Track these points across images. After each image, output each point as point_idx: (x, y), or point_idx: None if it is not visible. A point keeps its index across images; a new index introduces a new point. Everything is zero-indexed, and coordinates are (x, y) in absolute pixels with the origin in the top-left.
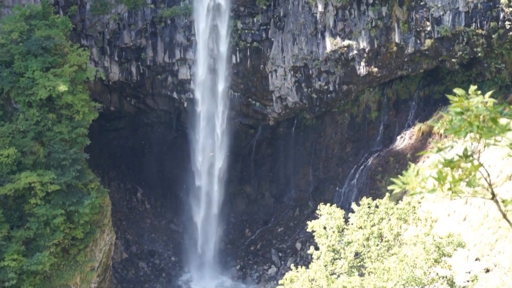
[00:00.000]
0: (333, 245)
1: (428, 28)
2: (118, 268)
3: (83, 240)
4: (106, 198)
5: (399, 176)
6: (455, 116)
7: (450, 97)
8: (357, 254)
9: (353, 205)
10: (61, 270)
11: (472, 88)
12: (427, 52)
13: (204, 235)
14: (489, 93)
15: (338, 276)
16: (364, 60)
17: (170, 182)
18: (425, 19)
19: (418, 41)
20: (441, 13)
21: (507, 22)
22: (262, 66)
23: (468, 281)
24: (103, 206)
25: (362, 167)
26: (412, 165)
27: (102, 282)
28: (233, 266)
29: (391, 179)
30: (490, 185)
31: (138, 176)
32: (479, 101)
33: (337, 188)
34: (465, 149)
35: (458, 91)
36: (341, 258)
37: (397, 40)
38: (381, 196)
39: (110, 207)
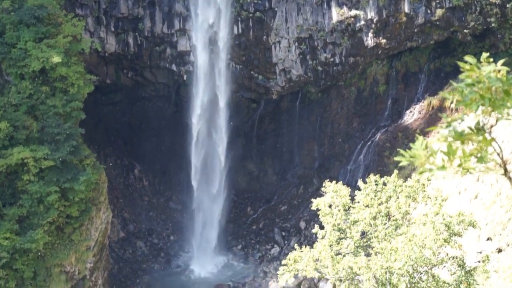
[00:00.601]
0: (338, 224)
1: None
2: (115, 248)
3: (78, 218)
4: (102, 175)
5: (407, 149)
6: (465, 88)
7: (461, 64)
8: (363, 234)
9: (360, 183)
10: (55, 249)
11: (484, 55)
12: (438, 23)
13: (205, 213)
14: (502, 61)
15: (344, 256)
16: (371, 31)
17: (169, 158)
18: None
19: (429, 11)
20: None
21: None
22: (265, 37)
23: (479, 262)
24: (99, 183)
25: (369, 143)
26: (420, 137)
27: (98, 262)
28: (235, 246)
29: (399, 150)
30: (503, 161)
31: (135, 152)
32: (491, 70)
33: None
34: (477, 122)
35: (469, 58)
36: (346, 237)
37: (406, 10)
38: (389, 173)
39: (106, 184)
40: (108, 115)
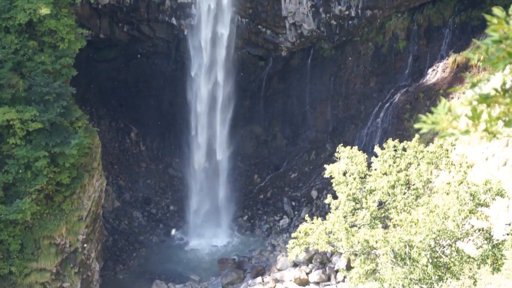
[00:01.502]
0: (353, 193)
1: None
2: (109, 218)
3: (69, 186)
4: (95, 139)
5: (428, 114)
6: (492, 45)
7: (488, 17)
8: (380, 204)
9: (377, 148)
10: (44, 220)
11: None
12: None
13: (207, 181)
14: None
15: (359, 228)
16: None
17: (169, 120)
18: None
19: None
20: None
21: None
22: None
23: (507, 234)
24: (92, 148)
25: (387, 104)
26: (443, 100)
27: (91, 234)
28: (240, 217)
29: (419, 116)
30: None
31: (132, 114)
32: None
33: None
34: (503, 83)
35: (498, 11)
36: (362, 208)
37: None
38: (409, 138)
39: (100, 148)
40: (102, 73)
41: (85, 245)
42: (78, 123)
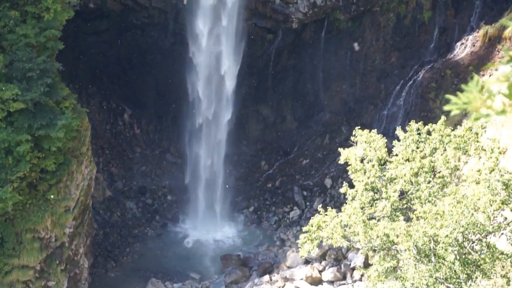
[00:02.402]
0: (372, 182)
1: None
2: (100, 209)
3: (55, 173)
4: (84, 120)
5: (458, 93)
6: None
7: None
8: (402, 194)
9: (399, 131)
10: (27, 211)
11: None
12: None
13: (209, 168)
14: None
15: (378, 221)
16: None
17: (166, 100)
18: None
19: None
20: None
21: None
22: None
23: None
24: (80, 130)
25: (410, 82)
26: (476, 77)
27: (79, 227)
28: (246, 208)
29: (448, 96)
30: None
31: (125, 93)
32: None
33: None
34: None
35: None
36: (382, 198)
37: None
38: (434, 120)
39: (90, 131)
40: (91, 47)
41: (72, 239)
42: (65, 103)
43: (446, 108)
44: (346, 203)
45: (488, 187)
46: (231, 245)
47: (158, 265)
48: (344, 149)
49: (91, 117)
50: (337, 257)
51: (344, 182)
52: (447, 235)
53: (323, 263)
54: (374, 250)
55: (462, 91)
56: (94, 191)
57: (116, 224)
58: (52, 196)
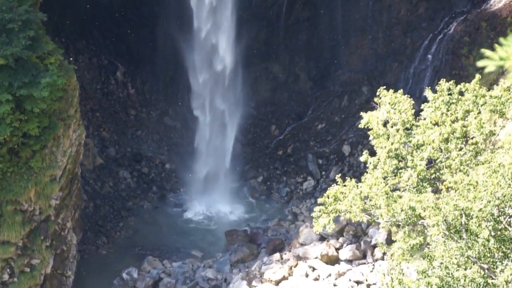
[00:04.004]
0: (396, 149)
1: None
2: (90, 179)
3: (39, 138)
4: (72, 79)
5: (496, 46)
6: None
7: None
8: (430, 162)
9: (427, 92)
10: (7, 181)
11: None
12: None
13: (213, 133)
14: None
15: (403, 192)
16: None
17: (164, 56)
18: None
19: None
20: None
21: None
22: None
23: None
24: (67, 90)
25: (440, 36)
26: None
27: (66, 198)
28: (253, 178)
29: (483, 51)
30: None
31: (117, 48)
32: None
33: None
34: None
35: None
36: (407, 167)
37: None
38: (467, 79)
39: (78, 91)
40: None
41: (59, 212)
42: (50, 58)
43: (480, 64)
44: (366, 173)
45: None
46: (237, 219)
47: (155, 242)
48: (365, 112)
49: (80, 75)
50: (356, 233)
51: (364, 149)
52: (480, 209)
53: (341, 240)
54: (398, 226)
55: (499, 45)
56: (83, 159)
57: (108, 196)
58: (36, 164)
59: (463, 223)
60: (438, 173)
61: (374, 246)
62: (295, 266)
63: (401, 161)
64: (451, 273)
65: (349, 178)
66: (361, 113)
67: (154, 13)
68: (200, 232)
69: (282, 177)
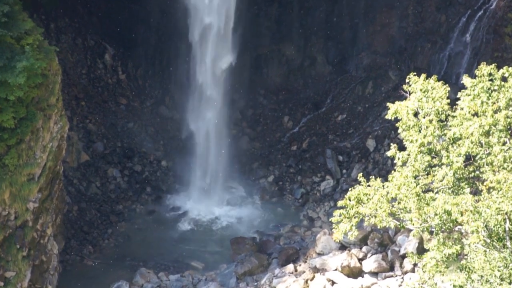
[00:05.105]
0: (429, 143)
1: None
2: (74, 178)
3: (14, 131)
4: (53, 62)
5: None
6: None
7: None
8: (469, 159)
9: (464, 78)
10: None
11: None
12: None
13: (215, 125)
14: None
15: (437, 194)
16: None
17: (160, 36)
18: None
19: None
20: None
21: None
22: None
23: None
24: (47, 75)
25: (480, 13)
26: None
27: (47, 200)
28: (263, 177)
29: None
30: None
31: (106, 27)
32: None
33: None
34: None
35: None
36: (442, 164)
37: None
38: (511, 62)
39: (61, 77)
40: None
41: (38, 217)
42: (28, 39)
43: None
44: (394, 171)
45: None
46: (244, 225)
47: (149, 251)
48: (393, 102)
49: (62, 58)
50: (382, 241)
51: (392, 143)
52: None
53: (364, 249)
54: (431, 232)
55: None
56: (66, 155)
57: (95, 198)
58: (11, 161)
59: (507, 229)
60: (477, 172)
61: (403, 256)
62: (311, 280)
63: (435, 158)
64: None
65: (374, 177)
66: (388, 105)
67: None
68: (201, 240)
69: (297, 176)
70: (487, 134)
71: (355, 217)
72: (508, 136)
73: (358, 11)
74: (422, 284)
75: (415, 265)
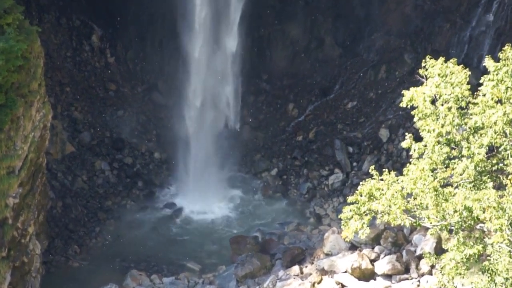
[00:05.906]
0: (448, 133)
1: None
2: (58, 172)
3: None
4: (34, 44)
5: None
6: None
7: None
8: (492, 150)
9: (487, 60)
10: None
11: None
12: None
13: (213, 112)
14: None
15: (456, 188)
16: None
17: (152, 15)
18: None
19: None
20: None
21: None
22: None
23: None
24: (29, 58)
25: None
26: None
27: (28, 195)
28: (266, 171)
29: None
30: None
31: (93, 5)
32: None
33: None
34: None
35: None
36: (462, 156)
37: None
38: None
39: (43, 60)
40: None
41: (18, 214)
42: (7, 18)
43: None
44: (409, 163)
45: None
46: (244, 223)
47: (141, 251)
48: (407, 88)
49: (45, 39)
50: (396, 240)
51: (407, 133)
52: None
53: (377, 249)
54: (450, 231)
55: None
56: (49, 146)
57: (81, 193)
58: None
59: None
60: (501, 164)
61: (420, 257)
62: (318, 283)
63: (454, 149)
64: None
65: (387, 171)
66: (403, 91)
67: None
68: (198, 239)
69: (302, 169)
70: (511, 123)
71: (366, 214)
72: None
73: None
74: (440, 287)
75: (432, 266)
